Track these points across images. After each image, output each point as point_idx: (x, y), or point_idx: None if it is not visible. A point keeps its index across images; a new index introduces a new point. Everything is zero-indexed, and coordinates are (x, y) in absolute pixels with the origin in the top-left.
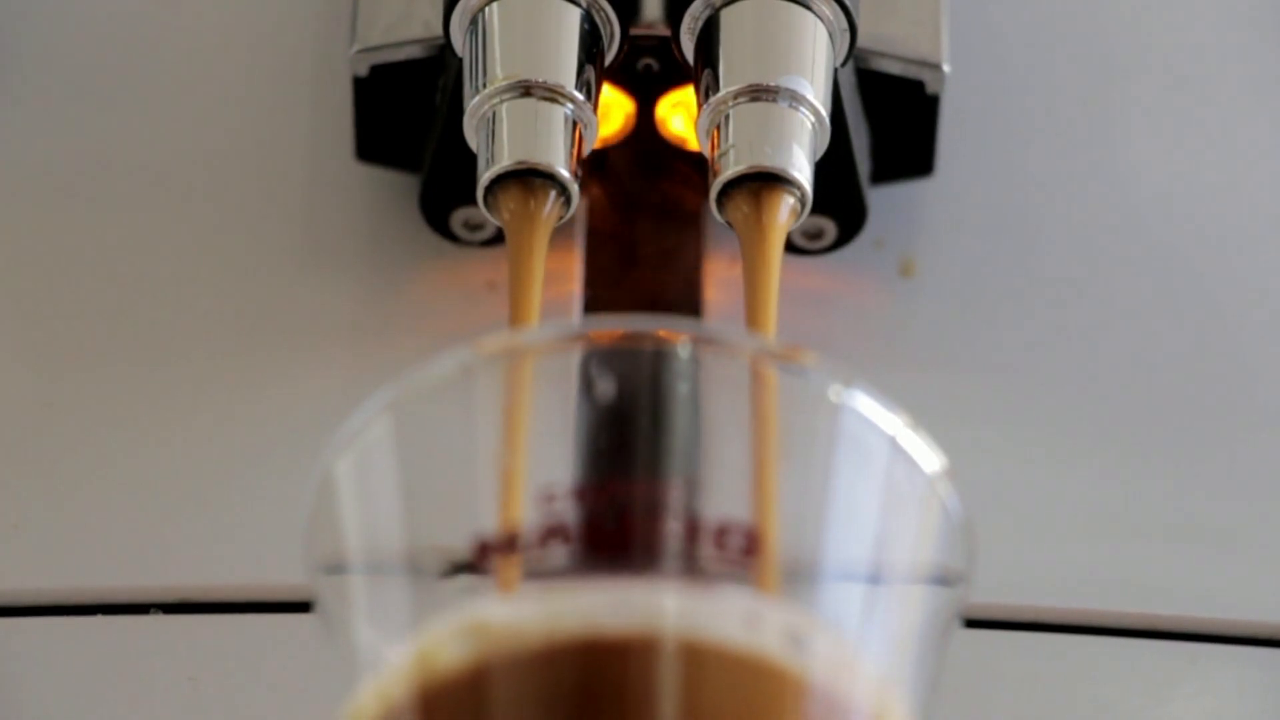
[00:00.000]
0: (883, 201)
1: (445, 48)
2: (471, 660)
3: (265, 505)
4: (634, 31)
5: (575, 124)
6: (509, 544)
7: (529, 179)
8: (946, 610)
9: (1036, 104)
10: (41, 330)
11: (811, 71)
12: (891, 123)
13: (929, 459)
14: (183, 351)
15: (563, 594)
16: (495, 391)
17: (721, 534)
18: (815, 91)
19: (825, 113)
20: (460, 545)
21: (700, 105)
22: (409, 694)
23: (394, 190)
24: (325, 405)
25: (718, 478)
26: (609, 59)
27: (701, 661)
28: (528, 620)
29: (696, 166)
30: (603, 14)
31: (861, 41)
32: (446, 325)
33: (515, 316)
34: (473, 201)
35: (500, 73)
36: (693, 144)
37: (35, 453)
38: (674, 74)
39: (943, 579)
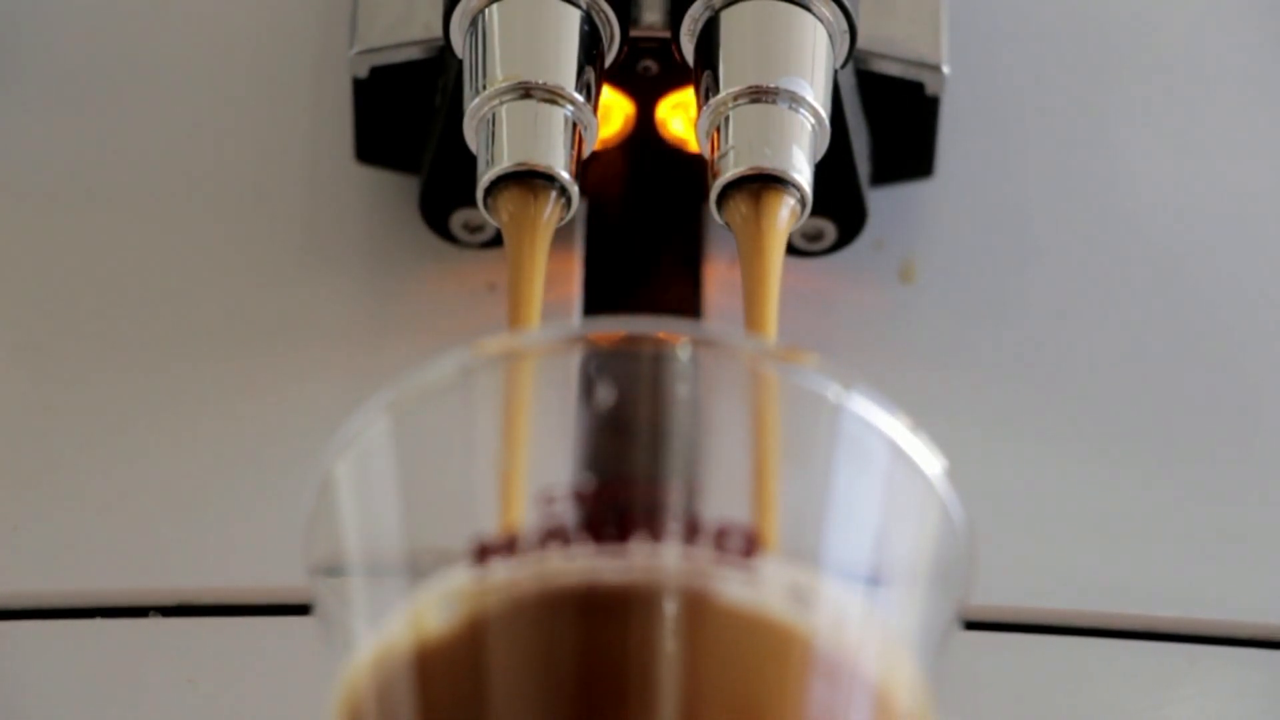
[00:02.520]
0: (883, 203)
1: (445, 49)
2: (467, 616)
3: (264, 507)
4: (634, 33)
5: (575, 126)
6: (509, 546)
7: (529, 180)
8: (946, 612)
9: (1036, 105)
10: (41, 332)
11: (811, 73)
12: (891, 124)
13: (929, 461)
14: (182, 353)
15: (560, 551)
16: (495, 393)
17: (721, 536)
18: (815, 93)
19: (825, 114)
20: (460, 547)
21: (700, 107)
22: (404, 654)
23: (394, 192)
24: (325, 407)
25: (717, 480)
26: (609, 60)
27: (703, 615)
28: (524, 575)
29: (696, 168)
30: (603, 15)
31: (861, 43)
32: (446, 327)
33: (515, 318)
34: (472, 203)
35: (500, 74)
36: (693, 145)
37: (35, 455)
38: (674, 75)
39: (943, 581)
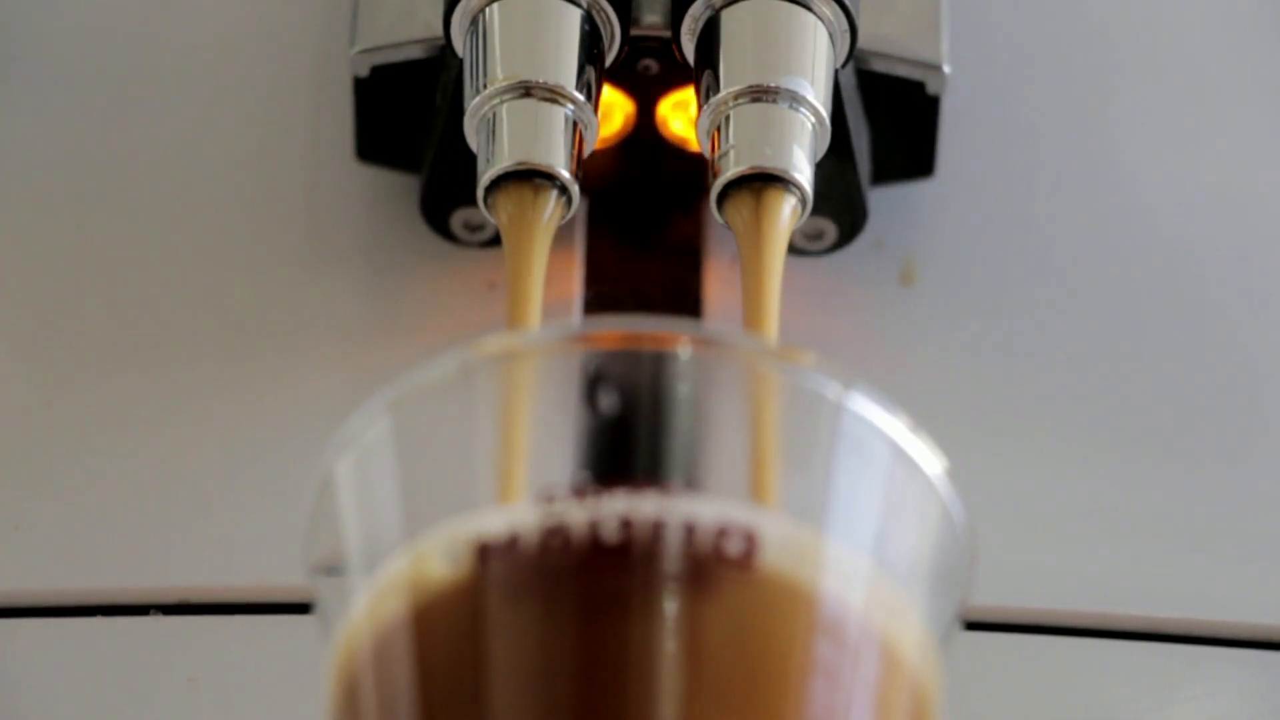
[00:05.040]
0: (883, 202)
1: (446, 48)
2: (466, 570)
3: (265, 506)
4: (634, 32)
5: (576, 125)
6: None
7: (529, 179)
8: (947, 612)
9: (1036, 104)
10: (41, 331)
11: (812, 72)
12: (892, 123)
13: (930, 461)
14: (183, 352)
15: (562, 507)
16: (495, 392)
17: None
18: (816, 92)
19: (826, 113)
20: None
21: (700, 106)
22: (402, 606)
23: (394, 190)
24: (325, 406)
25: (717, 479)
26: (609, 60)
27: (705, 573)
28: (526, 531)
29: (696, 167)
30: (603, 14)
31: (862, 42)
32: (446, 326)
33: (515, 318)
34: (473, 202)
35: (501, 73)
36: (693, 145)
37: (35, 453)
38: (674, 75)
39: (943, 581)
